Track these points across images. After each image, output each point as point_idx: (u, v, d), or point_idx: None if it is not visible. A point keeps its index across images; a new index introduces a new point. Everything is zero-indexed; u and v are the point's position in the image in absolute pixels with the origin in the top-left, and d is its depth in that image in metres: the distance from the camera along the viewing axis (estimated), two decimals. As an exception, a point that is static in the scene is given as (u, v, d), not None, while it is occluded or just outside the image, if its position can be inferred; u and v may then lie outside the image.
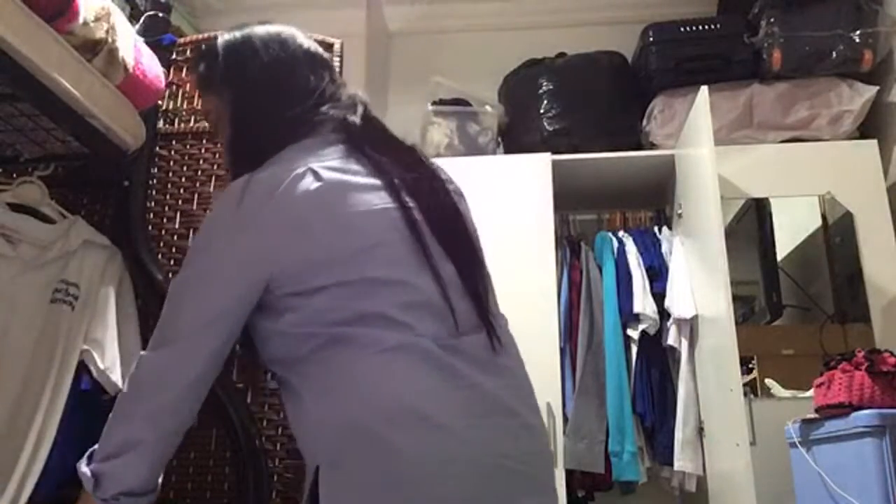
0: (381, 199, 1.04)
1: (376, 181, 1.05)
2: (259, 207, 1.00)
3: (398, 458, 0.90)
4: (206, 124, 1.22)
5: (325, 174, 1.02)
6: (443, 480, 0.91)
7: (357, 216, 1.02)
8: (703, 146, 2.26)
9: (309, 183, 1.01)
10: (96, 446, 1.04)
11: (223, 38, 1.18)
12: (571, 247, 2.66)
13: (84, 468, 1.03)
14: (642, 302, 2.44)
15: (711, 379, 2.22)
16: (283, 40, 1.16)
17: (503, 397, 1.00)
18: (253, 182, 1.02)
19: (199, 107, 1.21)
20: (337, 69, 1.76)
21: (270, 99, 1.12)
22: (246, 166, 1.05)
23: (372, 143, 1.11)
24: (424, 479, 0.91)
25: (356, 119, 1.13)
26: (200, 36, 1.88)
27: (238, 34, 1.17)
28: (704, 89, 2.30)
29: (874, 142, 2.51)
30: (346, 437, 0.94)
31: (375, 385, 0.95)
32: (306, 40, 1.19)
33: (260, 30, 1.18)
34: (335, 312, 0.98)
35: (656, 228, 2.71)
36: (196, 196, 1.75)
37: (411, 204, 1.05)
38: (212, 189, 1.75)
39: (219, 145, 1.70)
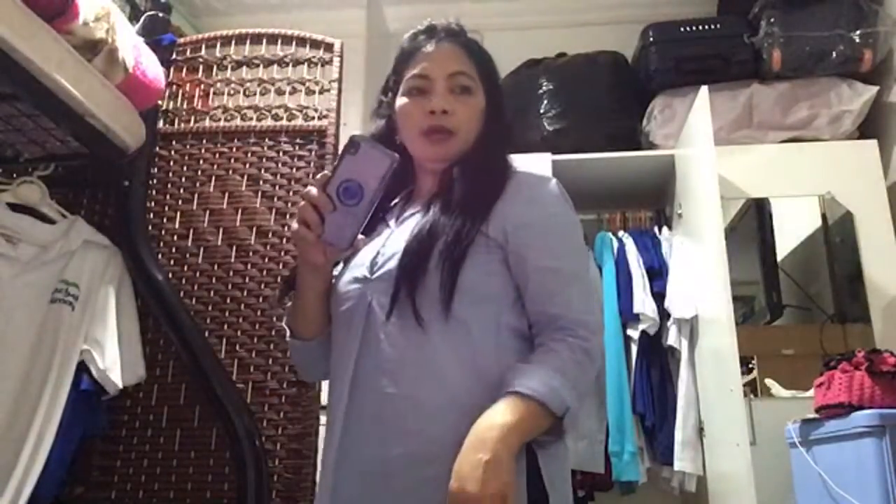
0: None
1: None
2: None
3: None
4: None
5: None
6: None
7: None
8: (703, 146, 2.26)
9: None
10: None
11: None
12: (571, 247, 2.65)
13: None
14: (642, 302, 2.44)
15: (711, 379, 2.22)
16: None
17: None
18: (563, 190, 1.19)
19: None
20: (338, 70, 1.77)
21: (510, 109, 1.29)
22: (504, 162, 1.25)
23: None
24: None
25: None
26: (200, 36, 1.88)
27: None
28: (704, 89, 2.30)
29: (874, 142, 2.51)
30: None
31: None
32: None
33: None
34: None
35: (656, 228, 2.71)
36: (196, 196, 1.74)
37: None
38: (212, 189, 1.74)
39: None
